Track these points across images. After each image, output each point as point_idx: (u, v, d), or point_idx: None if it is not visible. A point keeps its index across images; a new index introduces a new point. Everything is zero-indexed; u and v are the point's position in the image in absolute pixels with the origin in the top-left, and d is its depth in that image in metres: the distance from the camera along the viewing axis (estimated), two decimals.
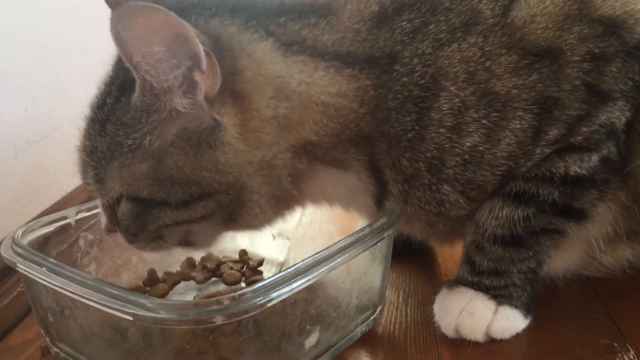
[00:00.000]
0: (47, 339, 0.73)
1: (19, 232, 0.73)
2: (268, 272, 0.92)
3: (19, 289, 0.89)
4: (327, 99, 0.65)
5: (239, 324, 0.58)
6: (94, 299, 0.58)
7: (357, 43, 0.65)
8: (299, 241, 1.02)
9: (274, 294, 0.57)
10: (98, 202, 0.82)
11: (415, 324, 0.78)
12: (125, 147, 0.63)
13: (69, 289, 0.60)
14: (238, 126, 0.63)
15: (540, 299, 0.78)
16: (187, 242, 0.71)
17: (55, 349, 0.73)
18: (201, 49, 0.57)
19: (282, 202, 0.69)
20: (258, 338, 0.60)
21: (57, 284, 0.62)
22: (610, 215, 0.75)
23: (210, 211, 0.65)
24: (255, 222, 0.69)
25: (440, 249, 0.97)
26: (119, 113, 0.63)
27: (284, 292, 0.58)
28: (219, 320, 0.55)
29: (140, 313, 0.55)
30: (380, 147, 0.68)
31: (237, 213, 0.66)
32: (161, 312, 0.55)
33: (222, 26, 0.63)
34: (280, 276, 0.59)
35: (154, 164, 0.62)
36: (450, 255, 0.95)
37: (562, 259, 0.81)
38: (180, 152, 0.62)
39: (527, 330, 0.74)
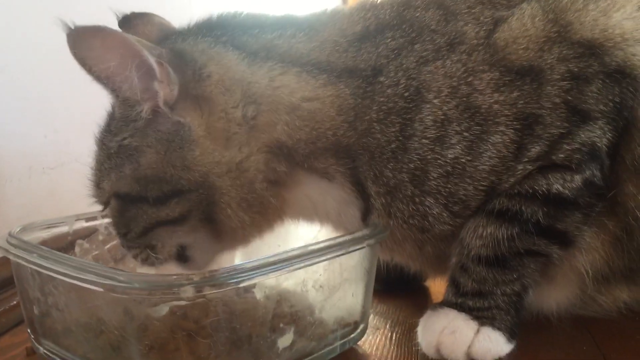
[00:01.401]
0: (32, 336, 0.75)
1: (17, 228, 0.77)
2: None
3: (15, 300, 0.91)
4: (297, 102, 0.69)
5: (208, 306, 0.59)
6: (66, 272, 0.60)
7: (337, 53, 0.71)
8: None
9: (244, 277, 0.58)
10: (98, 213, 0.88)
11: (398, 347, 0.77)
12: (112, 150, 0.70)
13: (44, 265, 0.63)
14: (204, 126, 0.68)
15: (529, 330, 0.78)
16: (182, 257, 0.74)
17: (40, 347, 0.73)
18: (152, 60, 0.64)
19: (257, 208, 0.71)
20: (227, 323, 0.60)
21: (36, 262, 0.64)
22: (598, 242, 0.75)
23: (185, 210, 0.69)
24: (234, 226, 0.71)
25: (433, 285, 0.97)
26: (110, 124, 0.72)
27: (254, 277, 0.59)
28: (188, 292, 0.55)
29: (111, 283, 0.56)
30: (361, 160, 0.71)
31: (213, 213, 0.69)
32: (132, 283, 0.56)
33: (194, 44, 0.71)
34: (252, 262, 0.60)
35: (134, 164, 0.69)
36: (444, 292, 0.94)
37: (555, 293, 0.80)
38: (154, 152, 0.68)
39: (510, 356, 0.73)
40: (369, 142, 0.70)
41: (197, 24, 0.75)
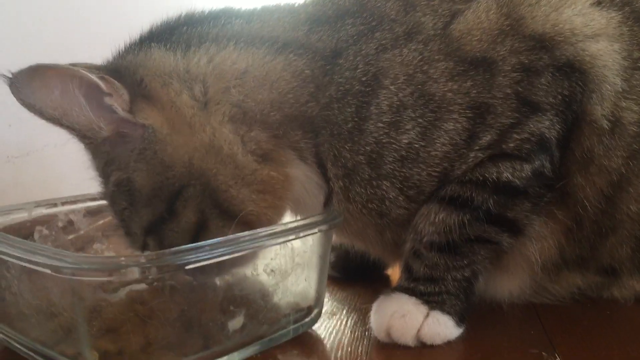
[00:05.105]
0: None
1: None
2: None
3: None
4: (244, 67, 0.72)
5: (155, 286, 0.60)
6: (15, 254, 0.61)
7: (281, 28, 0.74)
8: None
9: (191, 258, 0.59)
10: (57, 200, 0.88)
11: (352, 332, 0.78)
12: (115, 195, 0.72)
13: None
14: (165, 124, 0.70)
15: (480, 315, 0.79)
16: None
17: None
18: (92, 76, 0.65)
19: (259, 186, 0.72)
20: (174, 305, 0.61)
21: None
22: (547, 231, 0.77)
23: (197, 211, 0.69)
24: (252, 211, 0.71)
25: (394, 274, 0.98)
26: (100, 174, 0.75)
27: (201, 258, 0.60)
28: (134, 274, 0.56)
29: (58, 265, 0.57)
30: (323, 136, 0.73)
31: (222, 203, 0.70)
32: (80, 264, 0.57)
33: (122, 59, 0.74)
34: (200, 244, 0.61)
35: (135, 194, 0.70)
36: None
37: (508, 282, 0.82)
38: (138, 171, 0.70)
39: (460, 340, 0.74)
40: (329, 117, 0.72)
41: (126, 44, 0.76)
